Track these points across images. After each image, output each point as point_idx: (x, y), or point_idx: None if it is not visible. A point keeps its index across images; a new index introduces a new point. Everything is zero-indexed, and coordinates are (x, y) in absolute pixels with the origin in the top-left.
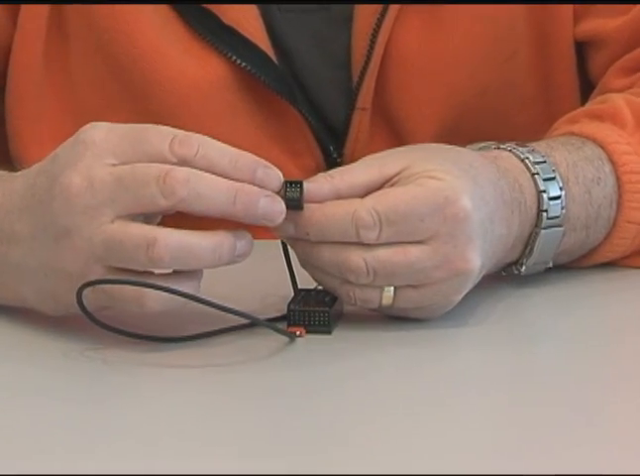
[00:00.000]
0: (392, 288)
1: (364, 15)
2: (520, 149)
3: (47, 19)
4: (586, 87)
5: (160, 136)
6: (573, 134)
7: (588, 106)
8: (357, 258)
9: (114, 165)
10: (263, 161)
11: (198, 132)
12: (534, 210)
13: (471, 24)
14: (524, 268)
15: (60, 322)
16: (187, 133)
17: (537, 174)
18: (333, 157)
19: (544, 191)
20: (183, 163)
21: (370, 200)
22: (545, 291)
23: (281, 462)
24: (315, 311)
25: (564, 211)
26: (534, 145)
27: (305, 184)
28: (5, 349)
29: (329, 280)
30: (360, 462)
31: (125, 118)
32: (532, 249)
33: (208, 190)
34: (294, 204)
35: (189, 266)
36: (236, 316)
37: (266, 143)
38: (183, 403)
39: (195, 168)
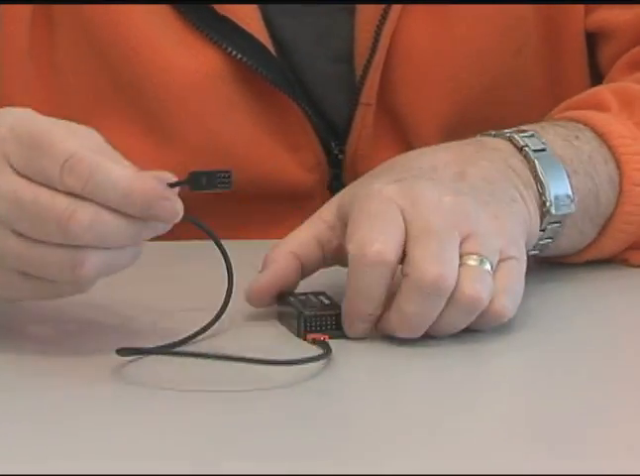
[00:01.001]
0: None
1: (367, 6)
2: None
3: (31, 9)
4: (597, 82)
5: (53, 157)
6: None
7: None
8: None
9: (14, 169)
10: (158, 189)
11: (193, 127)
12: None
13: (479, 16)
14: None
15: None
16: (82, 156)
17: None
18: (334, 153)
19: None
20: (72, 193)
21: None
22: (565, 289)
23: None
24: (328, 315)
25: (546, 146)
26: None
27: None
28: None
29: None
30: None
31: (115, 113)
32: (537, 175)
33: (112, 236)
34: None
35: (106, 242)
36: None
37: (264, 138)
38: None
39: (85, 199)
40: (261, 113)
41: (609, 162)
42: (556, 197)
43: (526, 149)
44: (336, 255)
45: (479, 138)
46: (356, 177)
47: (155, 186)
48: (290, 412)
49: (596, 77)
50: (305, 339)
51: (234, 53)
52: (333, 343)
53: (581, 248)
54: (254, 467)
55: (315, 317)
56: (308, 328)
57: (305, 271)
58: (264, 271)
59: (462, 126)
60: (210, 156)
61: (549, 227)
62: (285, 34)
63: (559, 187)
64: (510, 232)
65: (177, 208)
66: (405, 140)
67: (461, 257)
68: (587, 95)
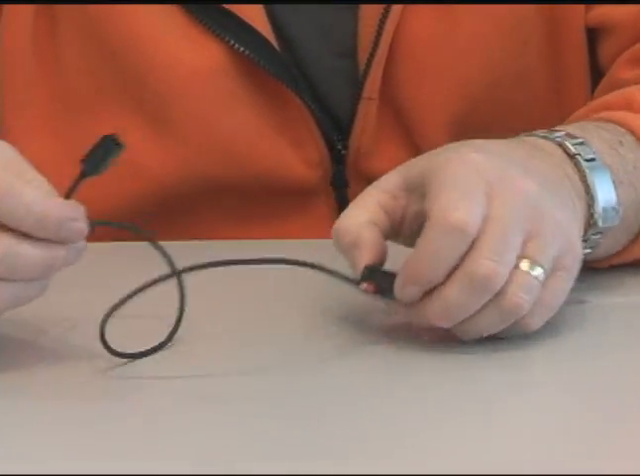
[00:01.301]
0: None
1: (371, 1)
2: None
3: (33, 6)
4: (596, 77)
5: None
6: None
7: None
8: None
9: None
10: (69, 211)
11: (196, 121)
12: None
13: (484, 13)
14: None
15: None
16: None
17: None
18: (337, 148)
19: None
20: None
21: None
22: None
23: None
24: (388, 273)
25: (596, 155)
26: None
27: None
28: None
29: None
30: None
31: (116, 105)
32: (588, 186)
33: (24, 267)
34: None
35: (16, 274)
36: None
37: (267, 132)
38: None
39: None
40: (264, 107)
41: None
42: (604, 210)
43: (578, 158)
44: (399, 228)
45: (525, 138)
46: (359, 173)
47: (65, 208)
48: (290, 412)
49: (595, 73)
50: (358, 286)
51: (237, 46)
52: (343, 344)
53: (611, 254)
54: (254, 467)
55: (376, 271)
56: (365, 278)
57: None
58: (358, 251)
59: (467, 122)
60: (212, 150)
61: (592, 237)
62: (289, 29)
63: (607, 200)
64: (570, 239)
65: (84, 228)
66: (409, 135)
67: (517, 257)
68: (619, 95)
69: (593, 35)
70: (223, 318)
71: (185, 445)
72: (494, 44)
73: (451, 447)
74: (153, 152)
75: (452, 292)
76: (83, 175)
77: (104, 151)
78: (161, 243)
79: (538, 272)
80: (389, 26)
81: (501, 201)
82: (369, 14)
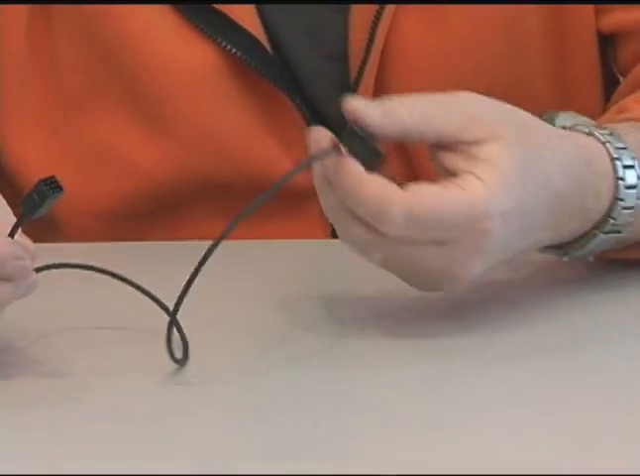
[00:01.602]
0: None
1: (361, 6)
2: (613, 143)
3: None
4: (610, 84)
5: None
6: (631, 120)
7: (634, 95)
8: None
9: None
10: (13, 250)
11: (189, 120)
12: (602, 214)
13: (476, 16)
14: (566, 259)
15: None
16: None
17: (622, 179)
18: None
19: (621, 200)
20: None
21: (406, 200)
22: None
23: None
24: (371, 148)
25: (632, 220)
26: (624, 138)
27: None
28: None
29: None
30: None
31: (111, 104)
32: (583, 246)
33: None
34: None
35: None
36: None
37: (259, 132)
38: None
39: None
40: (256, 108)
41: None
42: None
43: (620, 183)
44: None
45: (577, 140)
46: None
47: (8, 247)
48: (290, 409)
49: (610, 79)
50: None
51: (229, 47)
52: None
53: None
54: (253, 467)
55: (358, 139)
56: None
57: None
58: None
59: None
60: (205, 149)
61: (622, 212)
62: (279, 30)
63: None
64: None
65: (28, 266)
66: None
67: None
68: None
69: (610, 41)
70: (219, 320)
71: (185, 446)
72: (488, 48)
73: (444, 448)
74: (146, 150)
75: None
76: (23, 216)
77: (40, 196)
78: (154, 243)
79: None
80: (381, 31)
81: None
82: (359, 18)
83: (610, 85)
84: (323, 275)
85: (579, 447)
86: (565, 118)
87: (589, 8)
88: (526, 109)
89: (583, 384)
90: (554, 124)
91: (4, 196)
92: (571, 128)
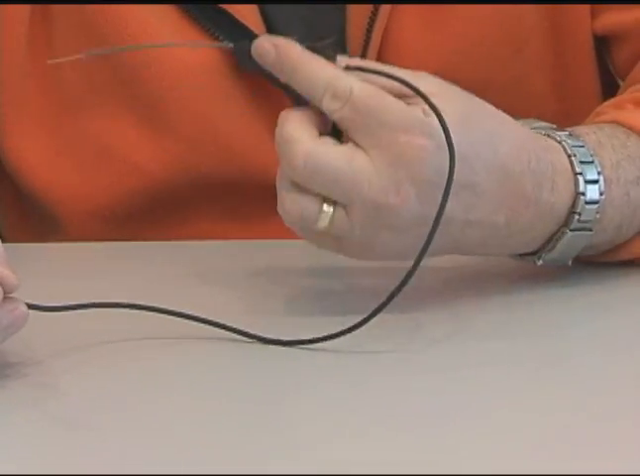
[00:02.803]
0: (331, 207)
1: (358, 4)
2: (570, 142)
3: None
4: (609, 86)
5: None
6: (618, 123)
7: (633, 94)
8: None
9: None
10: None
11: (189, 118)
12: (565, 211)
13: (473, 14)
14: (541, 261)
15: None
16: None
17: (580, 173)
18: None
19: (583, 194)
20: None
21: (354, 78)
22: (577, 293)
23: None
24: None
25: (598, 216)
26: (585, 137)
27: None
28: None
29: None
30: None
31: (111, 102)
32: (554, 247)
33: None
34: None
35: None
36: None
37: (259, 129)
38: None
39: None
40: (256, 106)
41: None
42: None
43: (579, 178)
44: None
45: (535, 135)
46: None
47: None
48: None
49: (607, 81)
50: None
51: (230, 45)
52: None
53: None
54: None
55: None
56: None
57: None
58: None
59: None
60: (206, 147)
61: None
62: (281, 29)
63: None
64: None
65: (15, 280)
66: None
67: None
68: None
69: (605, 42)
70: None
71: (183, 446)
72: (484, 47)
73: (430, 447)
74: (146, 148)
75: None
76: None
77: None
78: (155, 243)
79: None
80: (378, 29)
81: None
82: (357, 17)
83: (608, 86)
84: (323, 274)
85: (572, 449)
86: (525, 123)
87: (586, 8)
88: (524, 107)
89: (577, 384)
90: None
91: (6, 195)
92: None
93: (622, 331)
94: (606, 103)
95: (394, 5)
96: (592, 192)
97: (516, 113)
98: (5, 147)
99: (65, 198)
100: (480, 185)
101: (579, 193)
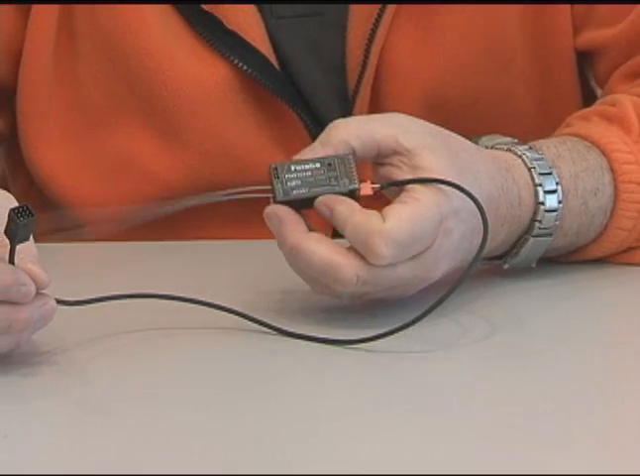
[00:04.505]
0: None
1: (358, 23)
2: (529, 155)
3: (57, 20)
4: (588, 98)
5: None
6: (581, 136)
7: (600, 106)
8: (350, 272)
9: None
10: (15, 278)
11: (203, 132)
12: (528, 219)
13: (462, 33)
14: (507, 265)
15: None
16: None
17: (540, 185)
18: None
19: (542, 203)
20: None
21: (389, 227)
22: (539, 286)
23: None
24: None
25: (557, 223)
26: (544, 150)
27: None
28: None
29: (312, 282)
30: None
31: (131, 117)
32: (518, 252)
33: None
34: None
35: None
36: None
37: (267, 144)
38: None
39: None
40: (264, 121)
41: (608, 212)
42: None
43: (539, 188)
44: None
45: (510, 184)
46: None
47: (8, 275)
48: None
49: (588, 94)
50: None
51: (240, 64)
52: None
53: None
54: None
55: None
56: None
57: None
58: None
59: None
60: (217, 159)
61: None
62: (284, 48)
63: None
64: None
65: (32, 290)
66: None
67: None
68: (618, 111)
69: (585, 57)
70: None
71: (200, 430)
72: (472, 65)
73: (441, 446)
74: (162, 159)
75: None
76: (13, 245)
77: (14, 224)
78: (169, 243)
79: None
80: (375, 48)
81: None
82: (356, 36)
83: (587, 97)
84: None
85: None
86: (487, 139)
87: (568, 27)
88: (511, 120)
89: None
90: (477, 144)
91: (35, 202)
92: (492, 147)
93: (581, 320)
94: (575, 114)
95: (390, 26)
96: (551, 201)
97: (503, 126)
98: (33, 158)
99: (88, 205)
100: (475, 221)
101: (539, 203)
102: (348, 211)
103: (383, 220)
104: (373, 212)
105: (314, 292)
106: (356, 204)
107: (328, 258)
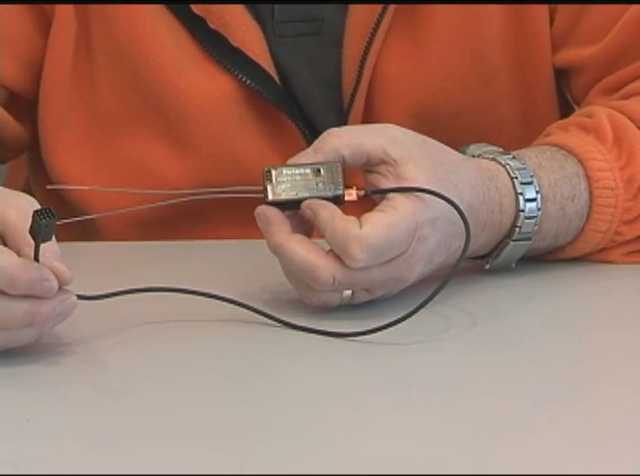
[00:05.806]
0: (350, 291)
1: (353, 41)
2: (512, 165)
3: (75, 37)
4: (566, 109)
5: None
6: (559, 146)
7: (578, 117)
8: (326, 273)
9: None
10: (43, 272)
11: (210, 141)
12: (509, 225)
13: (449, 51)
14: (488, 266)
15: None
16: None
17: (521, 193)
18: None
19: (522, 211)
20: None
21: (365, 233)
22: (519, 282)
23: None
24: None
25: (536, 228)
26: (526, 160)
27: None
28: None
29: (294, 281)
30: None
31: (143, 126)
32: (499, 255)
33: (5, 321)
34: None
35: (4, 324)
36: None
37: (269, 153)
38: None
39: None
40: (266, 131)
41: (584, 216)
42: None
43: (520, 197)
44: None
45: (493, 193)
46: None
47: (34, 272)
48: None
49: (565, 106)
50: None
51: (244, 79)
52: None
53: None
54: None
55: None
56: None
57: None
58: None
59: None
60: (224, 165)
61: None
62: (284, 63)
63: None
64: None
65: (55, 286)
66: None
67: None
68: (593, 121)
69: (563, 73)
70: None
71: (211, 414)
72: (457, 79)
73: (441, 445)
74: (173, 165)
75: None
76: (37, 243)
77: (37, 225)
78: (178, 242)
79: None
80: (369, 64)
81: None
82: (351, 53)
83: (565, 110)
84: None
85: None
86: (475, 148)
87: (547, 46)
88: (494, 131)
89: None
90: (465, 154)
91: (54, 205)
92: (479, 156)
93: (558, 314)
94: (555, 124)
95: (383, 44)
96: (531, 209)
97: (487, 135)
98: (53, 164)
99: (103, 208)
100: (458, 229)
101: (520, 211)
102: (329, 216)
103: (361, 226)
104: (352, 218)
105: (301, 297)
106: (337, 210)
107: (307, 258)
